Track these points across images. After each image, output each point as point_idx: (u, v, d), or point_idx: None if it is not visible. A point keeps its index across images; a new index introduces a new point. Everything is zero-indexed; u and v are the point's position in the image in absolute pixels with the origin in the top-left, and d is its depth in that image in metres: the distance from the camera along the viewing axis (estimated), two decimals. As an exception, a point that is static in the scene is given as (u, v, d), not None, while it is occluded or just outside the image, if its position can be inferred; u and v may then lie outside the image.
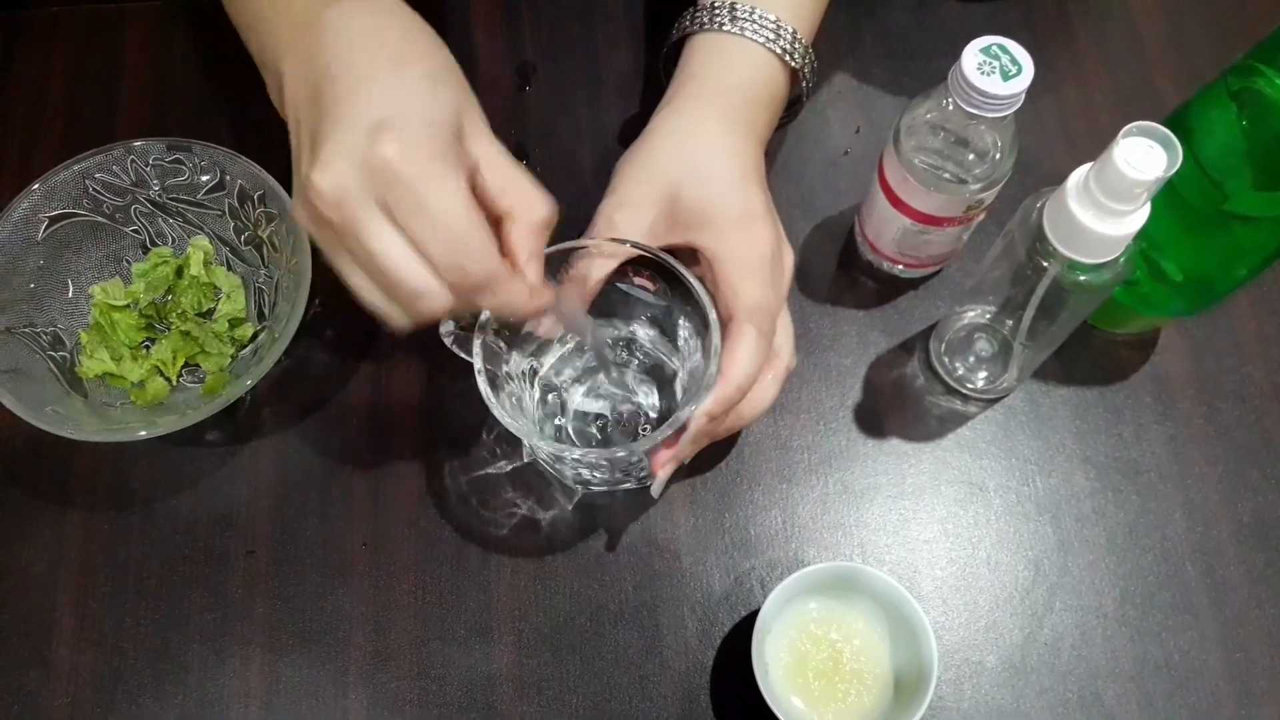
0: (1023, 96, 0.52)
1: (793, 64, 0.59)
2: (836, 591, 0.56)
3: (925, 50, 0.73)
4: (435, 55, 0.47)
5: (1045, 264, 0.52)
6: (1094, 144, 0.69)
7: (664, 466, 0.52)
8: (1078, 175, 0.49)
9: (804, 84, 0.61)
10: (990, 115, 0.52)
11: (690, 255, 0.54)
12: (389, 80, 0.44)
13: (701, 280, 0.52)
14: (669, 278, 0.54)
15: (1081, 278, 0.51)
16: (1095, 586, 0.59)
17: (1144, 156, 0.46)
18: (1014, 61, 0.52)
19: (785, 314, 0.56)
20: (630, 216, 0.54)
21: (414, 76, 0.44)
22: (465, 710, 0.56)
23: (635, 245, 0.53)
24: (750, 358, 0.51)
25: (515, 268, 0.45)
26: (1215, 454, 0.62)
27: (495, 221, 0.45)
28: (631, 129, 0.70)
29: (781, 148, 0.70)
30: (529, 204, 0.45)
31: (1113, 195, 0.47)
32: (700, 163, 0.55)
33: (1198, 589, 0.59)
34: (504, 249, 0.45)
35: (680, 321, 0.56)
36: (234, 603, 0.58)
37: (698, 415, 0.50)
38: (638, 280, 0.56)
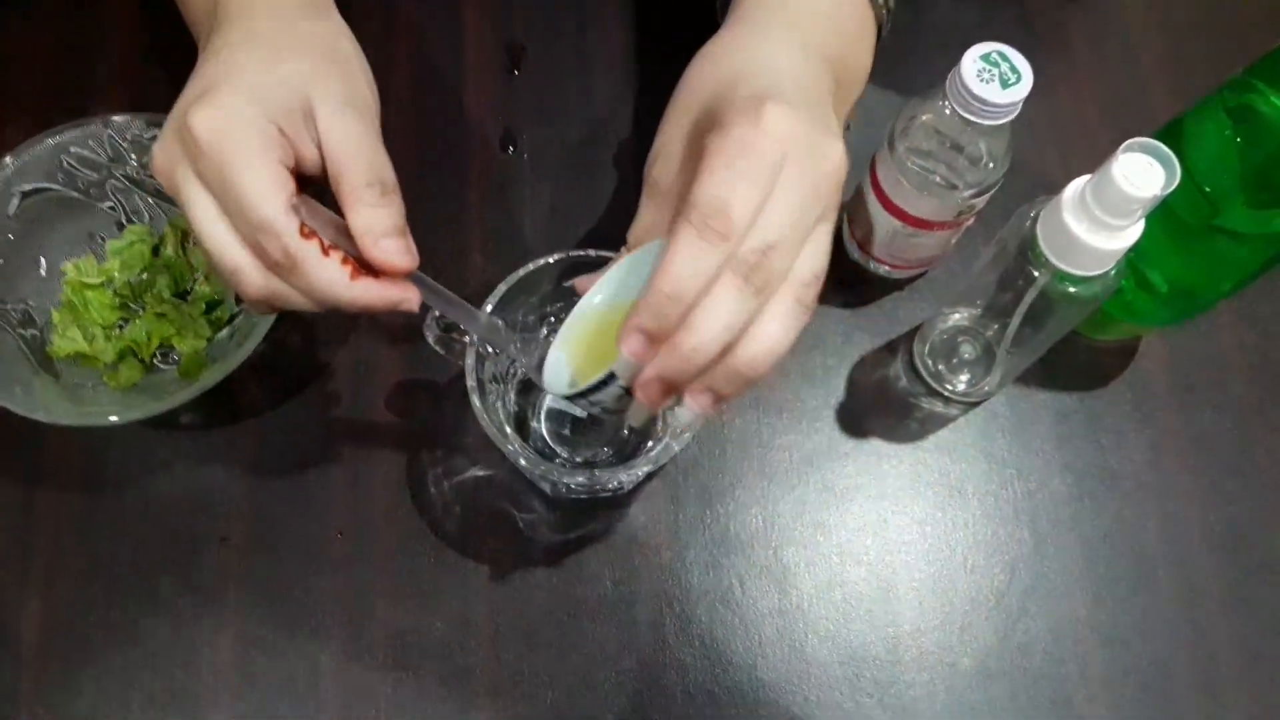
0: (1020, 105, 0.52)
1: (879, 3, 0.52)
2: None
3: (918, 49, 0.72)
4: (303, 27, 0.47)
5: (1035, 273, 0.52)
6: (1085, 151, 0.70)
7: (641, 387, 0.40)
8: (1074, 188, 0.49)
9: (880, 29, 0.54)
10: (988, 123, 0.52)
11: None
12: (233, 53, 0.44)
13: None
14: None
15: (1071, 289, 0.51)
16: (1069, 591, 0.59)
17: (1142, 173, 0.45)
18: (1013, 69, 0.51)
19: (823, 235, 0.42)
20: (663, 164, 0.46)
21: (260, 48, 0.45)
22: (441, 703, 0.55)
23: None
24: (683, 257, 0.38)
25: (362, 250, 0.43)
26: (1193, 463, 0.62)
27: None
28: (624, 113, 0.70)
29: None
30: (350, 170, 0.43)
31: (1109, 210, 0.47)
32: (759, 61, 0.45)
33: (1170, 596, 0.59)
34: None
35: None
36: (207, 589, 0.57)
37: (626, 329, 0.39)
38: None
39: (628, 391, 0.42)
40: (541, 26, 0.72)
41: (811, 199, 0.41)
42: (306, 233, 0.42)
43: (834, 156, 0.42)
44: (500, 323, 0.49)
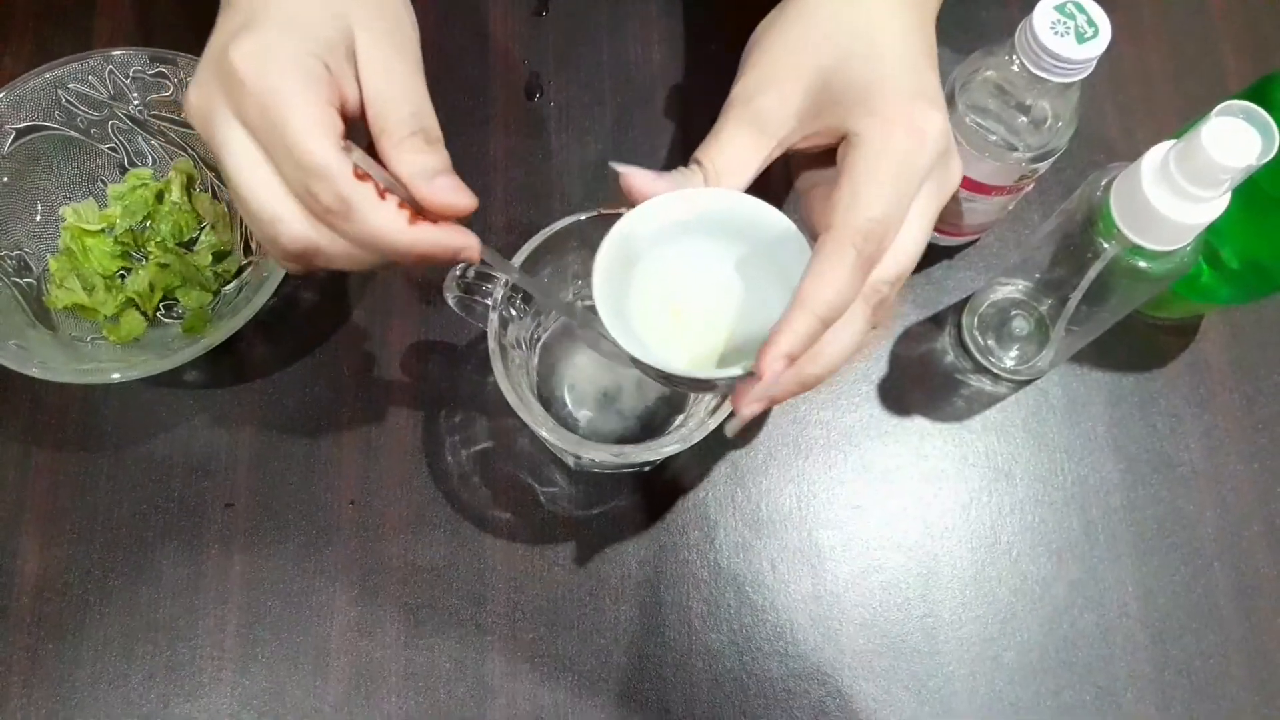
0: (1095, 61, 0.48)
1: None
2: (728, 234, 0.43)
3: (974, 2, 0.68)
4: None
5: (1105, 245, 0.48)
6: (1148, 115, 0.65)
7: (748, 405, 0.40)
8: (1155, 154, 0.45)
9: None
10: (1060, 80, 0.48)
11: (827, 158, 0.43)
12: None
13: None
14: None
15: (1142, 264, 0.48)
16: (1119, 583, 0.56)
17: (1235, 139, 0.41)
18: (1090, 22, 0.47)
19: (918, 229, 0.41)
20: (776, 98, 0.42)
21: None
22: (453, 682, 0.53)
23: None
24: (841, 284, 0.38)
25: (416, 191, 0.39)
26: (1252, 450, 0.59)
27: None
28: (657, 60, 0.65)
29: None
30: (392, 116, 0.39)
31: (1195, 179, 0.43)
32: (867, 33, 0.42)
33: (1224, 591, 0.56)
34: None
35: None
36: (210, 558, 0.54)
37: (773, 356, 0.38)
38: None
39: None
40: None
41: (937, 212, 0.42)
42: (360, 174, 0.38)
43: (955, 167, 0.43)
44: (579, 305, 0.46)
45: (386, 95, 0.39)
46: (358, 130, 0.40)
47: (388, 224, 0.39)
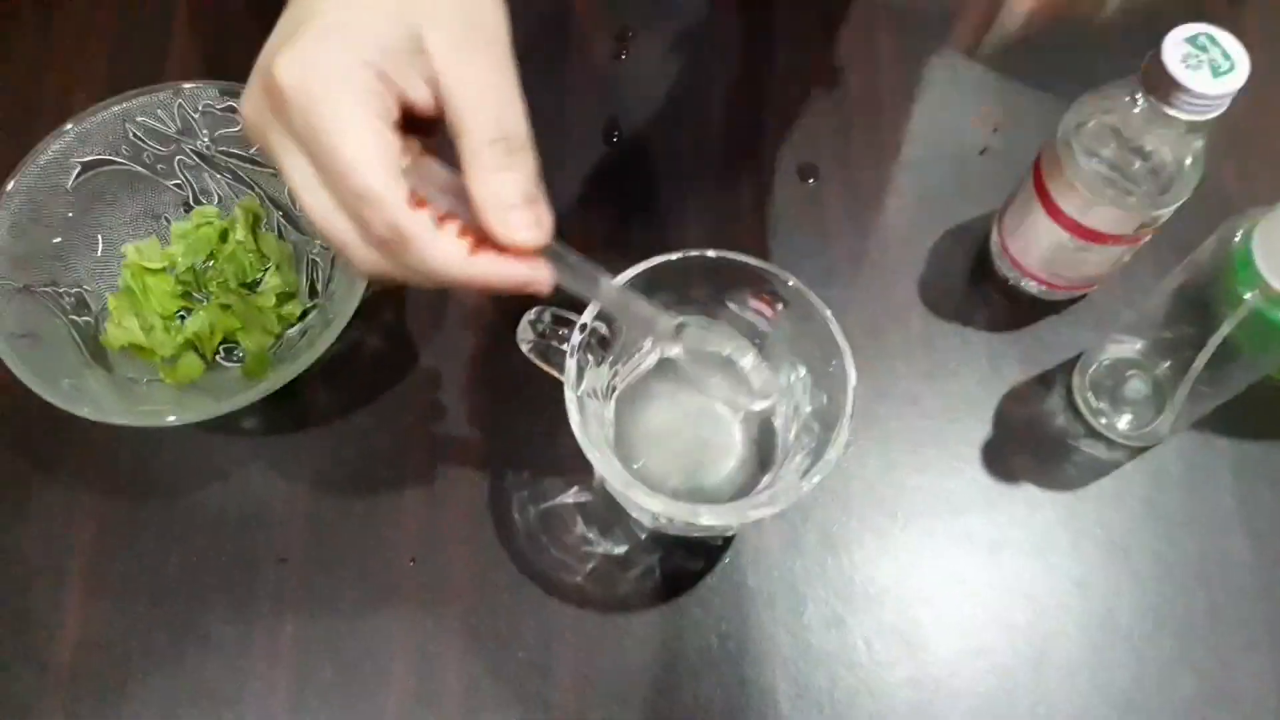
0: (1231, 97, 0.44)
1: None
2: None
3: (1076, 42, 0.64)
4: None
5: (1246, 296, 0.43)
6: (1267, 164, 0.61)
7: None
8: (1311, 195, 0.40)
9: None
10: (1193, 117, 0.44)
11: None
12: None
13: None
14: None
15: (1284, 317, 0.43)
16: (1254, 676, 0.50)
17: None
18: (1225, 55, 0.44)
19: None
20: None
21: None
22: (516, 763, 0.48)
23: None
24: None
25: (485, 222, 0.36)
26: (1398, 530, 0.53)
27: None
28: (737, 108, 0.63)
29: (908, 140, 0.62)
30: (469, 121, 0.35)
31: (1359, 222, 0.38)
32: None
33: (1375, 686, 0.50)
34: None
35: (789, 357, 0.49)
36: (261, 617, 0.51)
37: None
38: (754, 302, 0.48)
39: None
40: (649, 7, 0.66)
41: None
42: (417, 201, 0.35)
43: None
44: (677, 319, 0.42)
45: (462, 97, 0.36)
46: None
47: (446, 256, 0.35)
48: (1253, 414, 0.55)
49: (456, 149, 0.36)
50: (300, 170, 0.35)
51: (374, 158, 0.34)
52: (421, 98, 0.36)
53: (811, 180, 0.61)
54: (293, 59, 0.34)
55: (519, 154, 0.36)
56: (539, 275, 0.37)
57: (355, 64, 0.34)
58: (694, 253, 0.46)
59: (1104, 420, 0.55)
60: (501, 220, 0.36)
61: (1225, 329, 0.46)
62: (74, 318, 0.53)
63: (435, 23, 0.36)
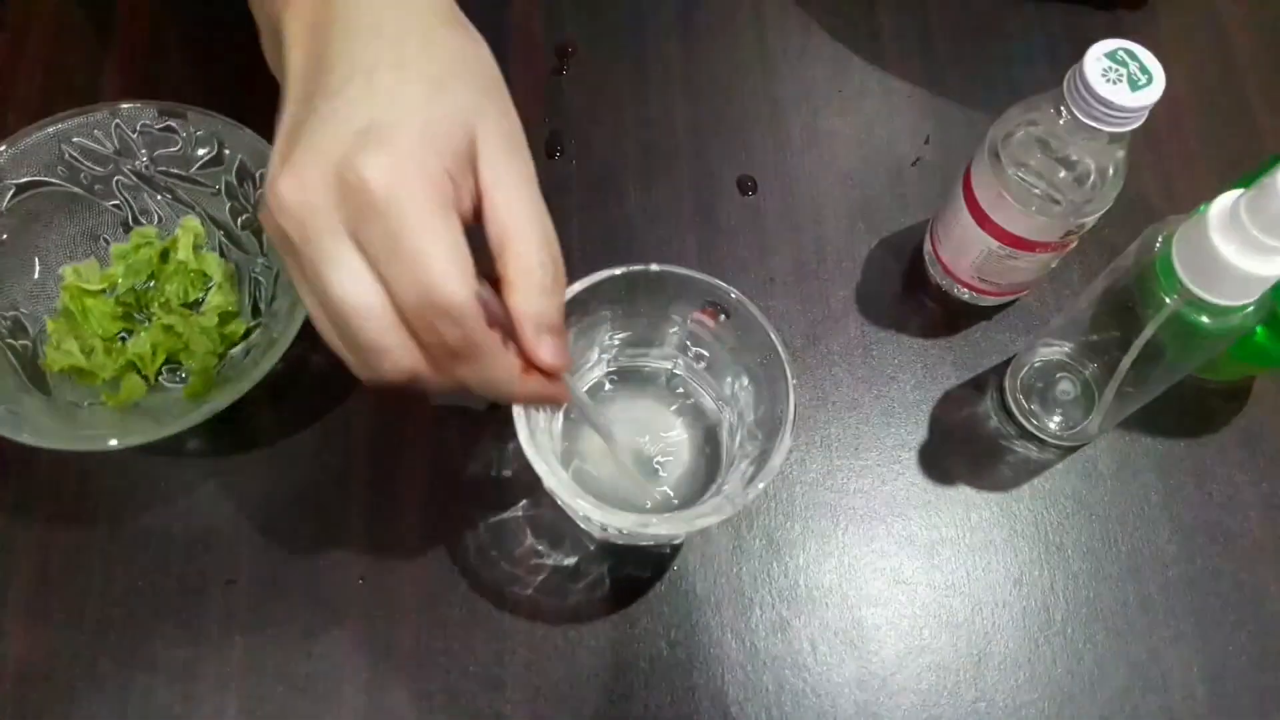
0: (1148, 110, 0.46)
1: None
2: None
3: (1003, 55, 0.66)
4: (448, 45, 0.38)
5: (1167, 300, 0.45)
6: (1186, 172, 0.63)
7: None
8: (1224, 202, 0.42)
9: None
10: (1112, 129, 0.46)
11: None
12: (386, 78, 0.35)
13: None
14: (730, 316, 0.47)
15: (1205, 320, 0.45)
16: (1183, 664, 0.52)
17: (1312, 187, 0.39)
18: (1143, 69, 0.46)
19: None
20: None
21: (416, 76, 0.36)
22: (470, 777, 0.49)
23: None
24: None
25: (518, 337, 0.37)
26: (1316, 521, 0.56)
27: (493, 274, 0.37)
28: (679, 117, 0.64)
29: (844, 153, 0.63)
30: (521, 241, 0.36)
31: (1268, 229, 0.40)
32: None
33: (1296, 673, 0.52)
34: (506, 311, 0.37)
35: (732, 367, 0.50)
36: (209, 640, 0.50)
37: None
38: (697, 314, 0.49)
39: None
40: (589, 23, 0.66)
41: None
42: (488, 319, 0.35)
43: None
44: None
45: (513, 215, 0.36)
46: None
47: (507, 374, 0.37)
48: (1176, 413, 0.57)
49: (500, 263, 0.36)
50: (358, 272, 0.34)
51: (462, 271, 0.34)
52: (466, 209, 0.36)
53: (750, 193, 0.62)
54: (386, 164, 0.33)
55: (560, 280, 0.37)
56: (566, 394, 0.40)
57: (439, 171, 0.34)
58: (638, 267, 0.46)
59: (1035, 421, 0.56)
60: (538, 339, 0.37)
61: (1148, 331, 0.48)
62: (10, 341, 0.52)
63: (488, 134, 0.36)
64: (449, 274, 0.33)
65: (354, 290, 0.34)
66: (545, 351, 0.37)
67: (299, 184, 0.34)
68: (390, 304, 0.34)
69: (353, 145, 0.33)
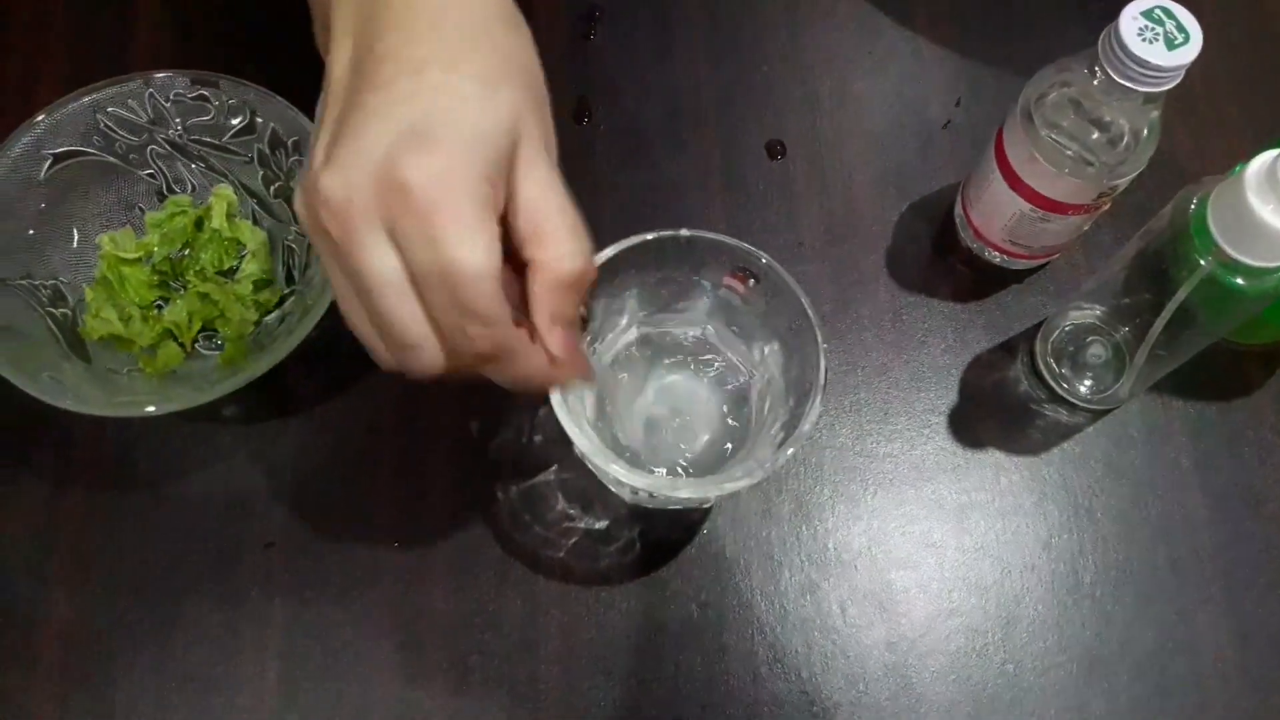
0: (1185, 69, 0.45)
1: None
2: None
3: (1035, 17, 0.66)
4: (501, 45, 0.37)
5: (1201, 262, 0.45)
6: (1220, 135, 0.63)
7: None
8: (1261, 162, 0.42)
9: None
10: (1148, 89, 0.45)
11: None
12: (436, 76, 0.35)
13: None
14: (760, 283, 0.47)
15: (1240, 281, 0.45)
16: (1212, 627, 0.52)
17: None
18: (1180, 28, 0.45)
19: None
20: None
21: (467, 76, 0.35)
22: (505, 735, 0.49)
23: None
24: None
25: (535, 331, 0.37)
26: (1349, 485, 0.55)
27: (520, 267, 0.37)
28: (707, 85, 0.64)
29: (874, 116, 0.63)
30: (556, 255, 0.37)
31: (1306, 189, 0.40)
32: None
33: (1328, 635, 0.52)
34: (525, 304, 0.37)
35: (762, 332, 0.50)
36: (248, 602, 0.51)
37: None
38: (728, 279, 0.49)
39: None
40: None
41: None
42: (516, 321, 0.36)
43: None
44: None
45: (547, 216, 0.36)
46: None
47: (538, 369, 0.38)
48: (1208, 377, 0.57)
49: (529, 257, 0.37)
50: (392, 270, 0.34)
51: (496, 276, 0.34)
52: (502, 204, 0.36)
53: (779, 158, 0.62)
54: (431, 161, 0.33)
55: (586, 275, 0.38)
56: (590, 375, 0.41)
57: (481, 178, 0.34)
58: (668, 232, 0.46)
59: (1066, 385, 0.56)
60: (554, 336, 0.38)
61: (1182, 294, 0.47)
62: (51, 310, 0.53)
63: (528, 129, 0.36)
64: (483, 279, 0.34)
65: (390, 286, 0.34)
66: (557, 344, 0.38)
67: (343, 181, 0.34)
68: (420, 302, 0.35)
69: (398, 144, 0.33)
